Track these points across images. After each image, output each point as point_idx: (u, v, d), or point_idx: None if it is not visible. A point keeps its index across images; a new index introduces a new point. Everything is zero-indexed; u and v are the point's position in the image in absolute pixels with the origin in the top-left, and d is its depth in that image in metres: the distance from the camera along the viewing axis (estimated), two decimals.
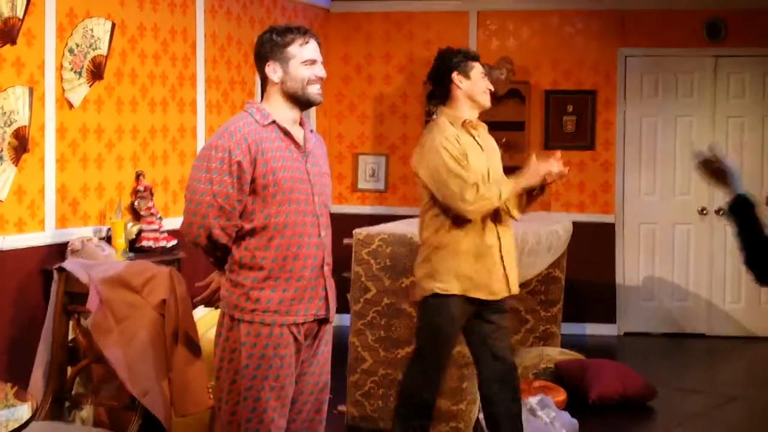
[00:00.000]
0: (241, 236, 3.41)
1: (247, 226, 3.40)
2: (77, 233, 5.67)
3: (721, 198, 8.25)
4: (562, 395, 6.00)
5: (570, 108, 8.44)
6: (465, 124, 4.58)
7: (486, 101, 4.62)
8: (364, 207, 8.65)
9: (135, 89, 6.19)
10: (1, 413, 3.62)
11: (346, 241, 5.61)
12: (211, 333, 4.95)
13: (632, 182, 8.45)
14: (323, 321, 3.54)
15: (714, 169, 3.25)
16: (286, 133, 3.48)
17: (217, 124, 6.99)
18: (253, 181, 3.37)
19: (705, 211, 8.36)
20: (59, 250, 5.51)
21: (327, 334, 3.60)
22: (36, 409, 3.92)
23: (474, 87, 4.57)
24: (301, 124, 3.55)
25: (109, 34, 5.87)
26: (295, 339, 3.44)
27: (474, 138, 4.59)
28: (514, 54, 8.40)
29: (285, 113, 3.49)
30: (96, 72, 5.81)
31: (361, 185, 8.69)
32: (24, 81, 5.31)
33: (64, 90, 5.61)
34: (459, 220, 4.46)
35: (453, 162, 4.42)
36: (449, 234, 4.49)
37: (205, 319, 4.98)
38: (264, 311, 3.38)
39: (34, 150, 5.41)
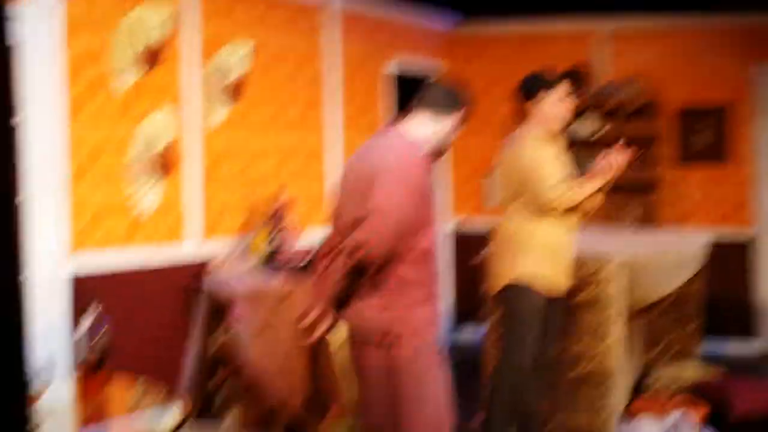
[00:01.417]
0: (397, 259, 3.49)
1: (405, 250, 3.49)
2: (219, 248, 5.86)
3: None
4: (702, 411, 5.85)
5: (702, 124, 8.27)
6: (542, 138, 4.92)
7: (555, 125, 4.95)
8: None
9: (272, 109, 6.38)
10: (154, 414, 3.77)
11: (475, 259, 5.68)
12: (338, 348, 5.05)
13: None
14: None
15: None
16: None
17: (350, 144, 7.14)
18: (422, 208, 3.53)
19: None
20: (203, 266, 5.71)
21: None
22: (187, 413, 4.09)
23: (547, 112, 4.90)
24: None
25: (248, 56, 6.09)
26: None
27: (552, 149, 4.93)
28: (643, 71, 8.30)
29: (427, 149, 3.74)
30: (235, 93, 6.02)
31: (490, 203, 8.70)
32: (168, 102, 5.55)
33: (205, 111, 5.83)
34: (538, 215, 4.81)
35: (536, 161, 4.79)
36: (529, 228, 4.82)
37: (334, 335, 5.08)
38: (414, 334, 3.48)
39: (179, 168, 5.64)
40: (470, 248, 7.95)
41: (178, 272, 5.62)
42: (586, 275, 5.21)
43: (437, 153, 3.73)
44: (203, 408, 4.15)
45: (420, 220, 3.47)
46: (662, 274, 5.72)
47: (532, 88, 4.94)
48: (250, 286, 4.23)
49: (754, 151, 8.21)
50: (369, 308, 3.51)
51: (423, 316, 3.48)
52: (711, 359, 7.10)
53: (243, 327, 4.08)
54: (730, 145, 8.24)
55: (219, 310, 4.18)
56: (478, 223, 8.62)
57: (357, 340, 3.58)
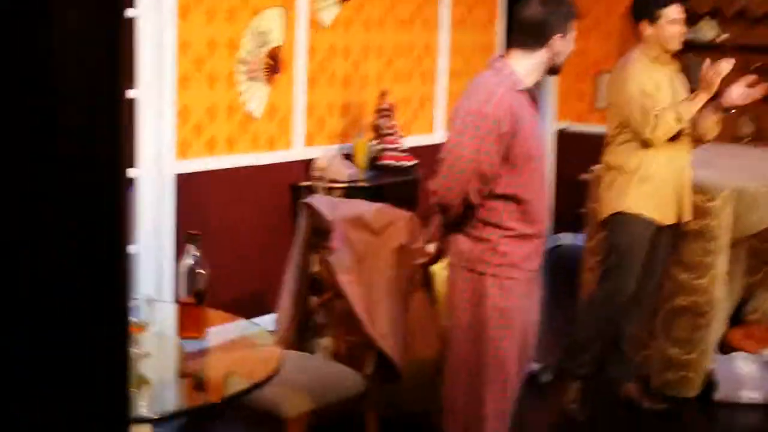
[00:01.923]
0: (489, 197, 3.46)
1: (499, 191, 3.45)
2: (323, 150, 5.89)
3: None
4: None
5: None
6: (656, 59, 4.78)
7: (674, 46, 4.78)
8: (601, 126, 8.44)
9: (383, 8, 6.26)
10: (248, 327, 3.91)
11: (582, 176, 5.57)
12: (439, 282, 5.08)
13: None
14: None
15: None
16: (533, 99, 3.55)
17: (460, 43, 6.99)
18: (510, 148, 3.41)
19: None
20: (306, 167, 5.76)
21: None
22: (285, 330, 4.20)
23: (661, 33, 4.72)
24: None
25: None
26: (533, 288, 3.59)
27: (664, 74, 4.81)
28: None
29: (534, 78, 3.55)
30: None
31: (600, 104, 8.48)
32: (278, 2, 5.49)
33: (316, 10, 5.76)
34: (646, 146, 4.72)
35: (639, 93, 4.67)
36: (637, 157, 4.74)
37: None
38: (510, 265, 3.48)
39: (286, 70, 5.62)
40: (577, 151, 7.82)
41: (284, 172, 5.69)
42: (693, 205, 5.08)
43: (551, 71, 3.59)
44: (301, 329, 4.24)
45: (510, 161, 3.41)
46: None
47: (644, 7, 4.77)
48: (352, 211, 4.24)
49: None
50: (463, 238, 3.54)
51: (519, 250, 3.49)
52: None
53: (344, 252, 4.12)
54: None
55: (319, 230, 4.22)
56: (584, 126, 8.44)
57: (452, 268, 3.62)
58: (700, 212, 5.05)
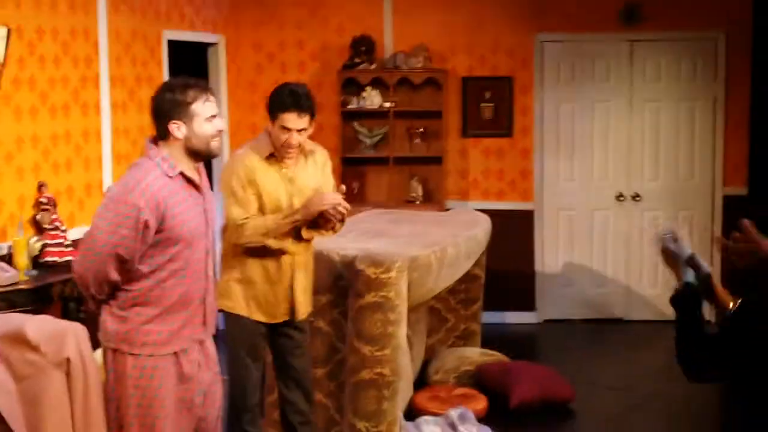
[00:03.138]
0: (136, 277, 3.57)
1: (146, 270, 3.56)
2: None
3: (637, 184, 8.31)
4: (482, 403, 5.97)
5: (487, 95, 8.34)
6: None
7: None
8: None
9: (34, 96, 5.88)
10: None
11: None
12: None
13: (551, 168, 8.42)
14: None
15: (670, 255, 3.05)
16: (190, 181, 3.66)
17: (123, 125, 6.72)
18: (158, 232, 3.54)
19: (622, 197, 8.38)
20: None
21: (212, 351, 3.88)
22: None
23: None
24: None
25: (4, 40, 5.55)
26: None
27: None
28: (430, 40, 8.25)
29: (187, 164, 3.66)
30: None
31: None
32: None
33: None
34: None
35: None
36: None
37: None
38: (153, 344, 3.60)
39: None
40: None
41: None
42: (369, 277, 5.10)
43: (196, 155, 3.66)
44: None
45: (159, 242, 3.54)
46: (447, 268, 5.71)
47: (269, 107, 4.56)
48: (7, 325, 3.85)
49: (537, 122, 8.35)
50: (105, 318, 3.66)
51: (164, 328, 3.61)
52: (492, 332, 7.31)
53: (1, 372, 3.73)
54: (515, 116, 8.34)
55: None
56: None
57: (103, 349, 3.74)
58: (376, 284, 5.08)
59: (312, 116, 4.54)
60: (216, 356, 3.90)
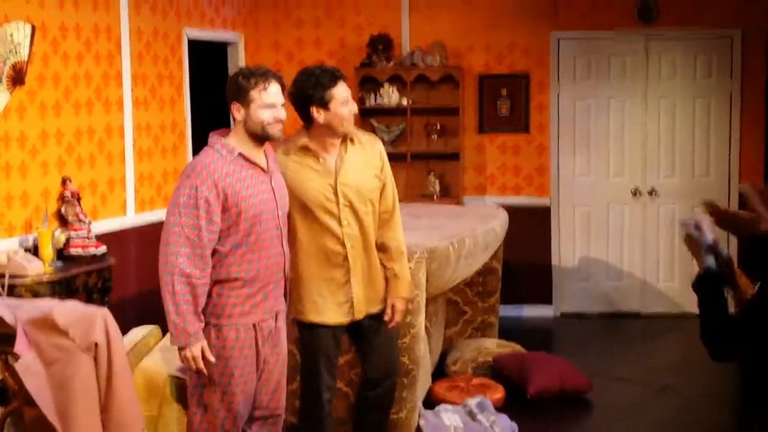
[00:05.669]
0: (219, 255, 3.81)
1: (226, 248, 3.81)
2: (2, 245, 5.51)
3: (653, 180, 8.36)
4: (500, 392, 6.03)
5: (504, 92, 8.41)
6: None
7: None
8: None
9: (58, 92, 6.00)
10: None
11: None
12: (147, 361, 4.86)
13: (567, 164, 8.48)
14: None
15: (693, 241, 3.17)
16: (252, 162, 3.90)
17: (145, 121, 6.84)
18: (225, 211, 3.79)
19: (638, 192, 8.43)
20: None
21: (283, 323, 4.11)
22: None
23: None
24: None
25: (29, 37, 5.67)
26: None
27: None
28: (447, 38, 8.34)
29: (250, 146, 3.91)
30: (17, 78, 5.61)
31: None
32: None
33: None
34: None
35: None
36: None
37: (140, 347, 4.88)
38: (237, 315, 3.84)
39: None
40: None
41: None
42: None
43: (255, 138, 3.87)
44: None
45: (227, 223, 3.78)
46: (465, 260, 5.78)
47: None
48: (36, 311, 3.95)
49: (553, 119, 8.41)
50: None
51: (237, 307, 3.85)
52: (509, 326, 7.36)
53: (30, 357, 3.82)
54: (531, 113, 8.41)
55: (3, 337, 3.90)
56: None
57: None
58: None
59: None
60: (286, 329, 4.15)
